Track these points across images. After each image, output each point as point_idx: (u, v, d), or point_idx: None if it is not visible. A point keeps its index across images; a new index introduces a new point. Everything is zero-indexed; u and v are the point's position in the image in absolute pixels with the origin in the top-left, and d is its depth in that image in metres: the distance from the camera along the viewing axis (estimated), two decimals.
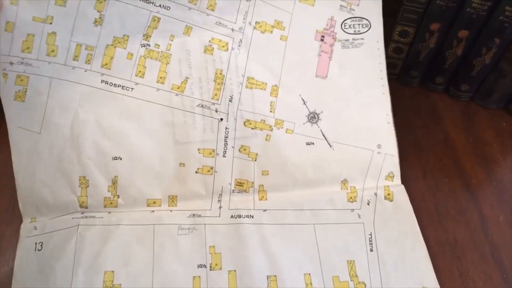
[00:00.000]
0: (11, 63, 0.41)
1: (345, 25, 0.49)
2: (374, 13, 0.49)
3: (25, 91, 0.42)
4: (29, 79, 0.42)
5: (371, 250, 0.43)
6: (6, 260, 0.43)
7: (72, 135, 0.43)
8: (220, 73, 0.46)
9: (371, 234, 0.44)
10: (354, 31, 0.49)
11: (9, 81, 0.42)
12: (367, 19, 0.49)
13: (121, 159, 0.44)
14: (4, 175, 0.46)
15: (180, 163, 0.45)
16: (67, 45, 0.42)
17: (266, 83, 0.47)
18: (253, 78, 0.47)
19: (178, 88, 0.45)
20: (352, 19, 0.49)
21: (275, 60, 0.47)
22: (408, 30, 0.53)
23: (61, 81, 0.43)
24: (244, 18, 0.47)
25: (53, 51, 0.42)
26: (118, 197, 0.44)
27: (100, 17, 0.43)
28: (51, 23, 0.41)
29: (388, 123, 0.48)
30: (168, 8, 0.44)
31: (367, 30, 0.49)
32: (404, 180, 0.47)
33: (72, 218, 0.43)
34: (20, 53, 0.41)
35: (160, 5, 0.44)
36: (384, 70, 0.49)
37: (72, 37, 0.42)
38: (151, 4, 0.44)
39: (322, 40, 0.48)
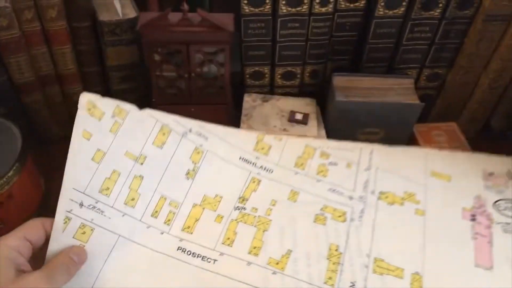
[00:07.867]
0: (81, 205, 0.32)
1: (499, 207, 0.37)
2: None
3: None
4: (92, 233, 0.32)
5: None
6: None
7: None
8: (336, 250, 0.33)
9: None
10: None
11: (67, 231, 0.32)
12: None
13: None
14: None
15: None
16: (150, 195, 0.34)
17: (402, 269, 0.32)
18: (382, 261, 0.33)
19: (277, 264, 0.33)
20: (506, 201, 0.37)
21: (412, 239, 0.34)
22: None
23: (128, 243, 0.33)
24: (365, 187, 0.37)
25: (133, 199, 0.34)
26: None
27: (194, 169, 0.36)
28: (142, 164, 0.35)
29: None
30: (271, 171, 0.37)
31: None
32: None
33: None
34: (97, 193, 0.33)
35: (261, 167, 0.37)
36: None
37: (158, 186, 0.35)
38: (252, 164, 0.37)
39: (473, 220, 0.36)
